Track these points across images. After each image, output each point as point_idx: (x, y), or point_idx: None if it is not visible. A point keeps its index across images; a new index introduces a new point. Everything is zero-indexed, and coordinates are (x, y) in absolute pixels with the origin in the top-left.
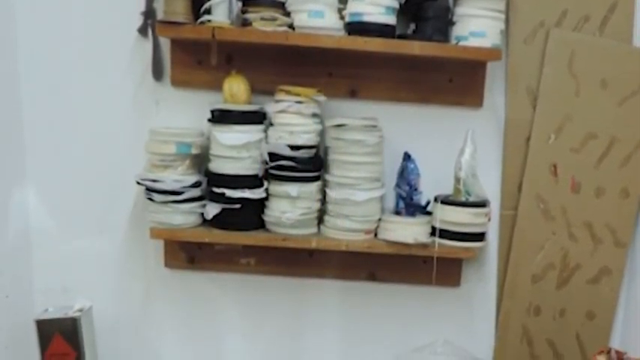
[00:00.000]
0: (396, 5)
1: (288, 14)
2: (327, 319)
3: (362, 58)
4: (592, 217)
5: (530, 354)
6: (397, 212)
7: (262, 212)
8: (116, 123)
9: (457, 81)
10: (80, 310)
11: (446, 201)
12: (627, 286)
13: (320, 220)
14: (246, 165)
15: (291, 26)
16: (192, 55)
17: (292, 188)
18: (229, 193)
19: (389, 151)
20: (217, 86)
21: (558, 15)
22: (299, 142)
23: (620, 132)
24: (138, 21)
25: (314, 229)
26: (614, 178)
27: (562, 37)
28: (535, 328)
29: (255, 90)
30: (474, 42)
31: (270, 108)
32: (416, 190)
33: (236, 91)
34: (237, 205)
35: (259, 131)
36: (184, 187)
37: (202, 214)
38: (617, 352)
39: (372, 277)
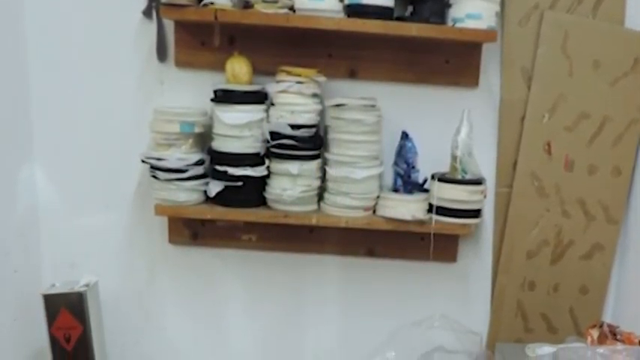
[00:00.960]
0: None
1: None
2: (326, 293)
3: (361, 40)
4: (585, 194)
5: (525, 328)
6: (395, 190)
7: (264, 190)
8: (121, 102)
9: (453, 62)
10: (86, 285)
11: (443, 179)
12: (619, 261)
13: (320, 198)
14: (248, 143)
15: (291, 8)
16: (195, 36)
17: (293, 166)
18: (232, 171)
19: (387, 130)
20: (220, 67)
21: None
22: (299, 121)
23: (612, 111)
24: (142, 3)
25: (314, 206)
26: (607, 157)
27: (556, 19)
28: (529, 303)
29: (256, 70)
30: (470, 24)
31: (272, 88)
32: (413, 168)
33: (238, 71)
34: (240, 183)
35: (261, 111)
36: (188, 165)
37: (205, 191)
38: (609, 325)
39: (371, 253)
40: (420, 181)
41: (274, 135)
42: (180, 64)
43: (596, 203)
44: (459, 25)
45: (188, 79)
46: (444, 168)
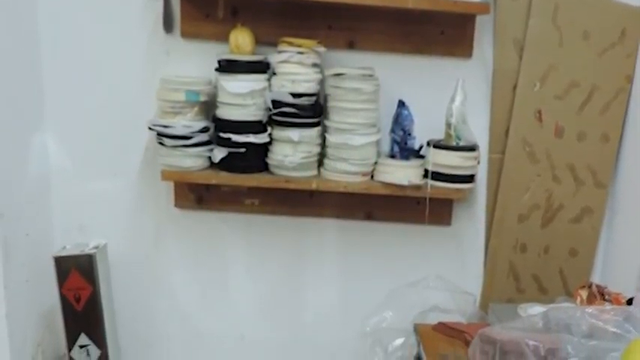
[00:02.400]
0: None
1: None
2: (326, 255)
3: (359, 12)
4: (574, 160)
5: (517, 288)
6: (392, 156)
7: (266, 156)
8: (129, 72)
9: (448, 33)
10: (96, 247)
11: (438, 145)
12: (607, 224)
13: (320, 163)
14: (251, 111)
15: None
16: (200, 8)
17: (294, 133)
18: (235, 137)
19: (384, 98)
20: (224, 38)
21: None
22: (300, 90)
23: (600, 81)
24: None
25: (314, 172)
26: (595, 124)
27: None
28: (521, 264)
29: (259, 41)
30: None
31: (274, 58)
32: (410, 135)
33: (241, 42)
34: (243, 149)
35: (263, 80)
36: (193, 132)
37: (210, 157)
38: (597, 286)
39: (369, 217)
40: (416, 147)
41: (276, 103)
42: (186, 35)
43: (585, 168)
44: None
45: (193, 50)
46: (439, 135)
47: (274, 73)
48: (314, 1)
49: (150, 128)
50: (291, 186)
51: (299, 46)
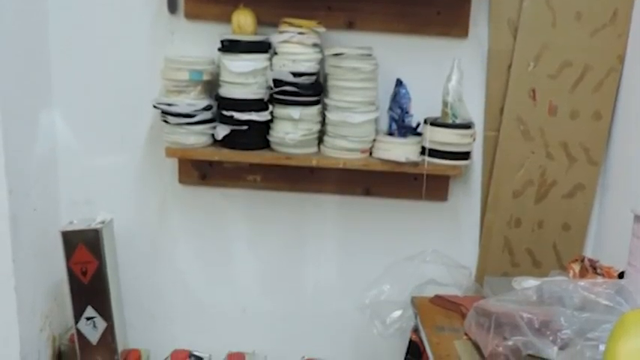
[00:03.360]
0: None
1: None
2: (325, 230)
3: None
4: (567, 137)
5: (511, 262)
6: (390, 133)
7: (267, 133)
8: (135, 52)
9: (445, 14)
10: (102, 222)
11: (434, 123)
12: (599, 200)
13: (320, 141)
14: (253, 90)
15: None
16: None
17: (295, 111)
18: (237, 115)
19: (383, 77)
20: (226, 19)
21: None
22: (301, 69)
23: (592, 60)
24: None
25: (314, 149)
26: (588, 102)
27: None
28: (515, 239)
29: (260, 22)
30: None
31: (275, 38)
32: (407, 113)
33: (243, 22)
34: (245, 127)
35: (265, 59)
36: (196, 110)
37: (213, 134)
38: (590, 260)
39: (367, 193)
40: (414, 125)
41: (277, 82)
42: (190, 15)
43: (578, 146)
44: None
45: (197, 30)
46: (436, 113)
47: (275, 53)
48: None
49: (155, 106)
50: (292, 162)
51: (299, 26)
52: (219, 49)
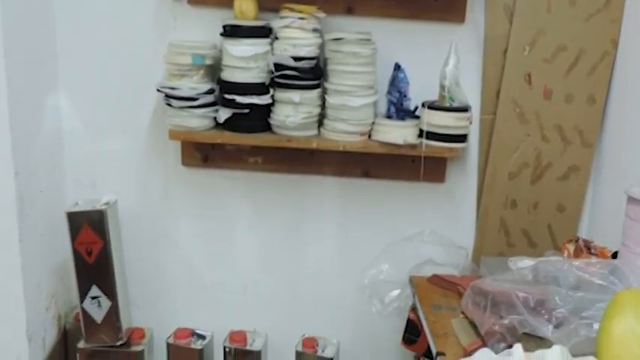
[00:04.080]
0: None
1: None
2: (325, 211)
3: None
4: (562, 120)
5: (507, 242)
6: (389, 116)
7: (268, 116)
8: (139, 36)
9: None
10: (107, 204)
11: (432, 106)
12: (593, 182)
13: (320, 124)
14: (254, 74)
15: None
16: None
17: (295, 95)
18: (239, 99)
19: (381, 61)
20: (229, 4)
21: None
22: (301, 53)
23: (587, 45)
24: None
25: (315, 132)
26: (582, 86)
27: None
28: (511, 220)
29: (262, 7)
30: None
31: (276, 23)
32: (405, 96)
33: (245, 8)
34: (246, 110)
35: (266, 44)
36: (199, 93)
37: (215, 118)
38: (584, 240)
39: (366, 175)
40: (412, 108)
41: (278, 66)
42: (193, 1)
43: (573, 129)
44: None
45: (199, 15)
46: (434, 96)
47: (276, 38)
48: None
49: (158, 90)
50: (293, 145)
51: (300, 11)
52: (222, 34)
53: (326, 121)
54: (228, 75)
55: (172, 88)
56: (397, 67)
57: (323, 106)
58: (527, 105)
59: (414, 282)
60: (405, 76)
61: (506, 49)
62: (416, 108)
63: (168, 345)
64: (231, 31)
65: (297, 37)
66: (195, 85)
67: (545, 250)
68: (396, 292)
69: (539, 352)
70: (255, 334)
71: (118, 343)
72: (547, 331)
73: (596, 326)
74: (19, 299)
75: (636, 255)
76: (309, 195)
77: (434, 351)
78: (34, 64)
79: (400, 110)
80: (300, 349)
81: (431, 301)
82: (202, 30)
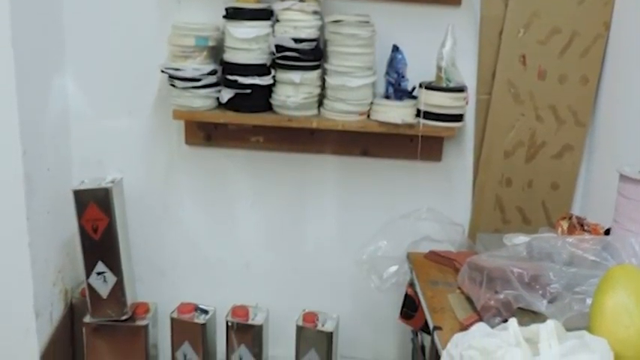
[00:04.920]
0: None
1: None
2: (325, 189)
3: None
4: (556, 100)
5: (502, 219)
6: (387, 97)
7: (270, 96)
8: (144, 19)
9: None
10: (112, 182)
11: (429, 87)
12: (586, 160)
13: (320, 104)
14: (256, 55)
15: None
16: None
17: (296, 75)
18: (241, 79)
19: (380, 43)
20: None
21: None
22: (302, 35)
23: (580, 27)
24: None
25: (315, 111)
26: (575, 67)
27: None
28: (506, 197)
29: None
30: None
31: (277, 6)
32: (403, 77)
33: None
34: (248, 91)
35: (267, 26)
36: (202, 74)
37: (218, 98)
38: (577, 217)
39: (365, 153)
40: (409, 89)
41: (279, 48)
42: None
43: (566, 108)
44: None
45: None
46: (431, 77)
47: (277, 20)
48: None
49: (162, 71)
50: (293, 124)
51: None
52: (224, 17)
53: (326, 101)
54: (230, 56)
55: (176, 69)
56: (395, 49)
57: (323, 86)
58: (521, 85)
59: (411, 258)
60: (402, 57)
61: (501, 31)
62: (413, 88)
63: (172, 319)
64: (234, 14)
65: (297, 19)
66: (199, 66)
67: (540, 227)
68: (394, 268)
69: (533, 327)
70: (257, 308)
71: (123, 318)
72: (541, 305)
73: (589, 301)
74: (27, 275)
75: (628, 232)
76: (309, 173)
77: (431, 325)
78: (41, 46)
79: (398, 91)
80: (300, 323)
81: (428, 276)
82: (205, 12)
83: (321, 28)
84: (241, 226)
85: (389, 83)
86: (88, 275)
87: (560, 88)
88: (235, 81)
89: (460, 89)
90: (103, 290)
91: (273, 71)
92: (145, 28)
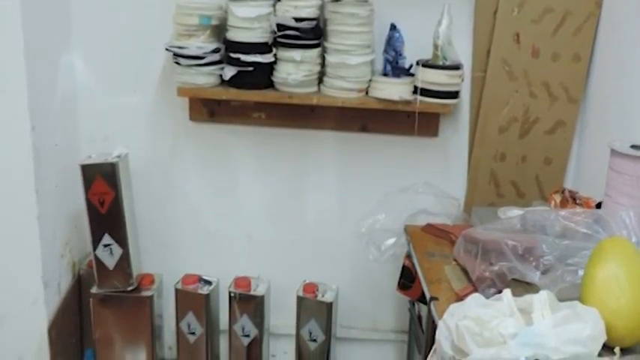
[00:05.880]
0: None
1: None
2: (325, 164)
3: None
4: (549, 77)
5: (497, 193)
6: (385, 74)
7: (271, 74)
8: None
9: None
10: (118, 157)
11: (426, 64)
12: (578, 136)
13: (320, 81)
14: (258, 34)
15: None
16: None
17: (297, 53)
18: (244, 57)
19: (378, 22)
20: None
21: None
22: (302, 14)
23: (572, 6)
24: None
25: (315, 88)
26: (568, 45)
27: None
28: (501, 172)
29: None
30: None
31: None
32: (401, 55)
33: None
34: (250, 68)
35: (269, 6)
36: (206, 52)
37: (221, 75)
38: (570, 191)
39: (364, 129)
40: (407, 66)
41: (280, 27)
42: None
43: (559, 85)
44: None
45: None
46: (427, 55)
47: (279, 0)
48: None
49: (167, 49)
50: (294, 101)
51: None
52: None
53: (325, 79)
54: (233, 35)
55: (181, 48)
56: (393, 28)
57: (323, 64)
58: (515, 63)
59: (408, 231)
60: (400, 35)
61: (496, 10)
62: (410, 66)
63: (177, 290)
64: None
65: None
66: (202, 44)
67: (533, 201)
68: (391, 241)
69: (527, 297)
70: (259, 279)
71: (129, 289)
72: (534, 277)
73: (580, 272)
74: (36, 247)
75: (619, 205)
76: (309, 148)
77: (428, 296)
78: (49, 26)
79: (396, 68)
80: (301, 294)
81: (425, 248)
82: None
83: (321, 8)
84: (244, 200)
85: (387, 61)
86: (94, 247)
87: (553, 66)
88: (238, 59)
89: (456, 67)
90: (110, 262)
91: (274, 49)
92: (150, 7)
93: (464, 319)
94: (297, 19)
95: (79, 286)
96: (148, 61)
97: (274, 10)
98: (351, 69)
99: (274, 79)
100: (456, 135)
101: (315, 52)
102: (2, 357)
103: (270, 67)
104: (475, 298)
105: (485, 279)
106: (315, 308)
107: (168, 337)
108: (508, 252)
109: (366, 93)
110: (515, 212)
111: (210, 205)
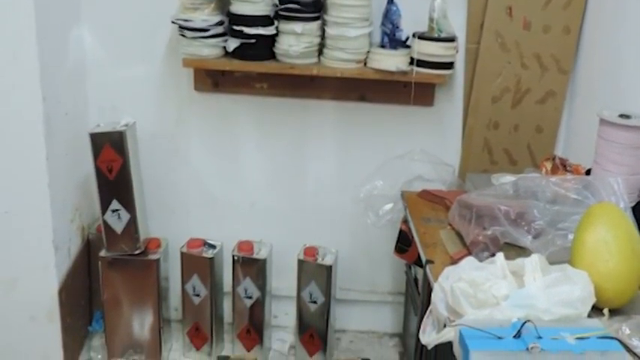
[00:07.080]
0: None
1: None
2: (325, 132)
3: None
4: (540, 49)
5: (490, 161)
6: (382, 46)
7: (273, 46)
8: None
9: None
10: (126, 125)
11: (422, 37)
12: (568, 105)
13: (320, 53)
14: (261, 7)
15: None
16: None
17: (297, 26)
18: (247, 30)
19: None
20: None
21: None
22: None
23: None
24: None
25: (315, 60)
26: (559, 18)
27: None
28: (494, 140)
29: None
30: None
31: None
32: (398, 28)
33: None
34: (253, 40)
35: None
36: (210, 25)
37: (225, 47)
38: (560, 159)
39: (362, 99)
40: (403, 38)
41: (282, 0)
42: None
43: (550, 57)
44: None
45: None
46: (423, 28)
47: None
48: None
49: (173, 22)
50: (295, 72)
51: None
52: None
53: (325, 50)
54: (236, 8)
55: (186, 20)
56: (390, 1)
57: (323, 36)
58: (508, 35)
59: (405, 196)
60: (397, 9)
61: None
62: (407, 38)
63: (182, 254)
64: None
65: None
66: (207, 17)
67: (525, 168)
68: (389, 206)
69: (519, 260)
70: (261, 244)
71: (136, 252)
72: (526, 241)
73: (570, 237)
74: (47, 212)
75: (607, 172)
76: (310, 117)
77: (423, 259)
78: None
79: (393, 40)
80: (301, 257)
81: (421, 213)
82: None
83: None
84: (246, 167)
85: (384, 33)
86: (103, 212)
87: (544, 38)
88: (241, 31)
89: (451, 39)
90: (118, 226)
91: (276, 22)
92: None
93: (458, 282)
94: None
95: (89, 249)
96: (154, 34)
97: None
98: (350, 41)
99: (276, 50)
100: (450, 104)
101: (316, 24)
102: (15, 318)
103: (272, 39)
104: (469, 261)
105: (478, 243)
106: (315, 271)
107: (174, 298)
108: (501, 217)
109: (365, 64)
110: (507, 179)
111: (215, 171)
